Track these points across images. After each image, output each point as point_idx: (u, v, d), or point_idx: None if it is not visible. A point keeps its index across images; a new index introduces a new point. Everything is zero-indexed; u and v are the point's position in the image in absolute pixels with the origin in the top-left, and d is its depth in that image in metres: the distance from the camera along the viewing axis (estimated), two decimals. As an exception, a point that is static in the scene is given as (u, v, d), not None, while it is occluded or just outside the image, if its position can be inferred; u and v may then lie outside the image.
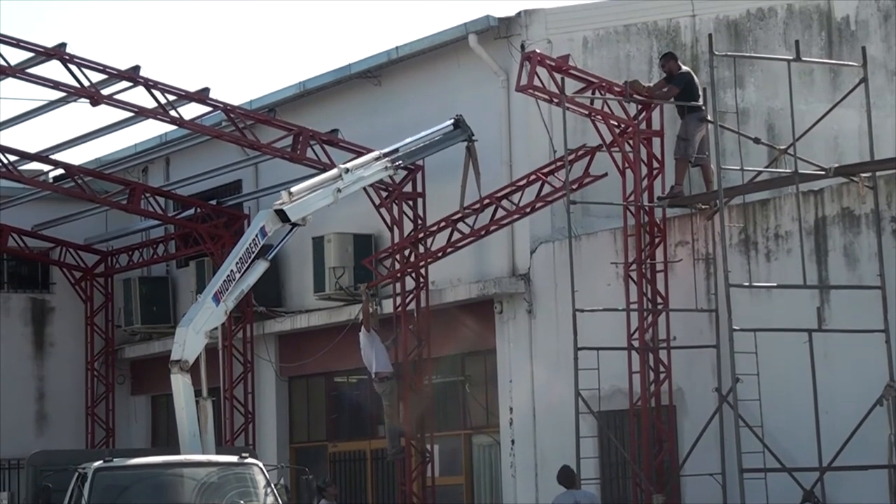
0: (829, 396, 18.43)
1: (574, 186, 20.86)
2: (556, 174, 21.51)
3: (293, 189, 20.15)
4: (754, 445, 18.78)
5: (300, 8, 58.33)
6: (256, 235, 19.71)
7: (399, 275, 23.54)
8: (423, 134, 22.15)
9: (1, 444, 29.61)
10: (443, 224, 22.86)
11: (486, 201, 22.21)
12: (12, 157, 27.08)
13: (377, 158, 21.35)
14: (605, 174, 21.36)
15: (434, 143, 22.20)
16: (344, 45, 56.28)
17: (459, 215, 22.45)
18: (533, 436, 22.48)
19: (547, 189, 21.63)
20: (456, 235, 22.75)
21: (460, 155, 22.46)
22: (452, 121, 22.34)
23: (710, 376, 19.85)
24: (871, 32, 24.67)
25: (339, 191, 20.60)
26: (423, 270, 23.70)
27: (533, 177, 21.80)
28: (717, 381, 19.58)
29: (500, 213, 22.23)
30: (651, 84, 21.65)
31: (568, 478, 19.64)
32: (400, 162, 21.61)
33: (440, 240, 23.11)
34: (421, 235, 23.45)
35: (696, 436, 19.92)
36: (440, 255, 22.93)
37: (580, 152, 21.33)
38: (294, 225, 20.03)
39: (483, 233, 22.40)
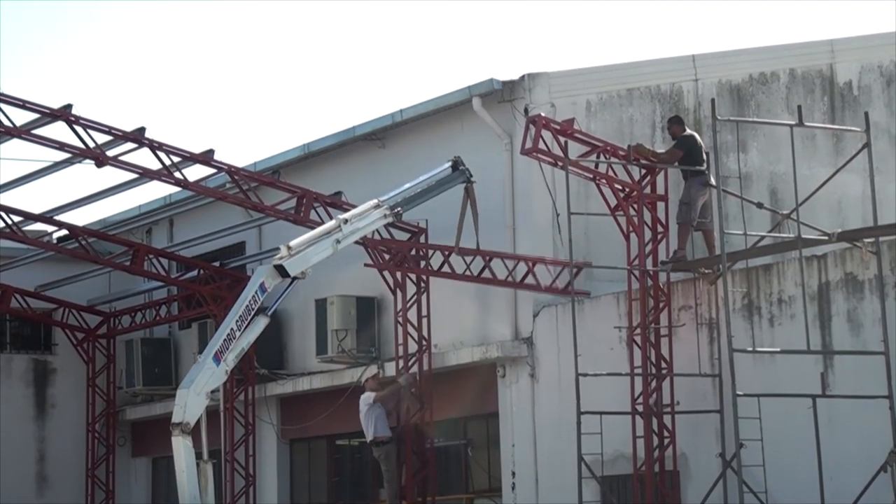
0: (834, 462, 18.38)
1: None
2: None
3: (292, 243, 20.07)
4: (759, 510, 18.75)
5: (304, 70, 58.59)
6: (256, 292, 19.64)
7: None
8: (420, 178, 22.01)
9: (3, 505, 29.62)
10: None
11: (489, 258, 22.20)
12: (16, 218, 27.05)
13: (375, 206, 21.28)
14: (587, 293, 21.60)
15: (433, 187, 22.08)
16: (348, 108, 56.45)
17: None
18: (535, 500, 22.40)
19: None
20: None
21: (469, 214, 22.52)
22: (450, 163, 22.31)
23: (713, 442, 19.83)
24: (873, 98, 24.77)
25: (338, 242, 20.50)
26: (425, 333, 23.71)
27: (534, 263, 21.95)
28: (721, 447, 19.55)
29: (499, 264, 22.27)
30: (654, 147, 21.73)
31: None
32: (399, 209, 21.53)
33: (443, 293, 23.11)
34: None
35: (699, 502, 19.81)
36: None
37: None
38: (294, 279, 19.98)
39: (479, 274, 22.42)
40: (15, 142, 23.47)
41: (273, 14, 59.29)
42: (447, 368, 23.63)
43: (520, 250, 22.70)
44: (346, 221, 20.81)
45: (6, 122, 22.80)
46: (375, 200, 21.33)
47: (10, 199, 26.80)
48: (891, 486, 18.06)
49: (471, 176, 22.30)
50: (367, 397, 23.17)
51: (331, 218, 22.95)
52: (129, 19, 59.59)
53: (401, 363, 23.82)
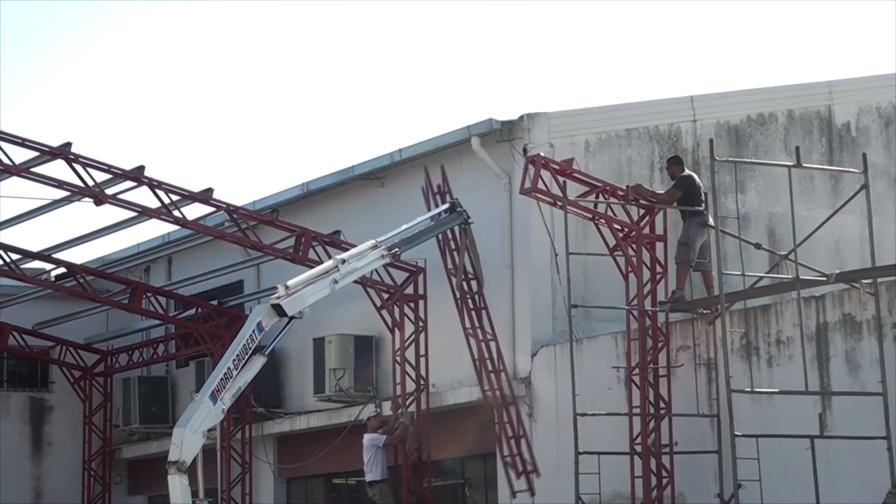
0: (832, 503, 18.33)
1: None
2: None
3: (289, 282, 20.10)
4: (757, 553, 18.74)
5: (304, 110, 58.70)
6: (254, 331, 19.65)
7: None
8: (418, 220, 22.08)
9: (-3, 543, 29.57)
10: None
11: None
12: (14, 256, 27.16)
13: (373, 247, 21.32)
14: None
15: (430, 228, 22.15)
16: (347, 147, 56.61)
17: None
18: (533, 540, 22.36)
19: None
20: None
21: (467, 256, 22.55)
22: (448, 205, 22.37)
23: (712, 482, 19.76)
24: (871, 139, 24.83)
25: (335, 282, 20.52)
26: (423, 372, 23.70)
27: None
28: (720, 487, 19.49)
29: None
30: (653, 188, 21.77)
31: None
32: (396, 250, 21.55)
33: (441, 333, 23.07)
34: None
35: (697, 542, 19.84)
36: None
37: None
38: (291, 318, 19.99)
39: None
40: (14, 180, 23.56)
41: (272, 53, 59.47)
42: (445, 408, 23.61)
43: (518, 290, 22.75)
44: (343, 261, 20.84)
45: (5, 160, 22.89)
46: (373, 241, 21.35)
47: (9, 236, 27.00)
48: (889, 527, 18.13)
49: (468, 217, 22.34)
50: (375, 439, 23.16)
51: (329, 257, 22.95)
52: (128, 57, 59.79)
53: (399, 402, 23.79)
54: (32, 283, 28.60)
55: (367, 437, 23.26)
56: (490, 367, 22.36)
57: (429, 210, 22.49)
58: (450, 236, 22.71)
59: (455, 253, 22.61)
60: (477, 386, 22.96)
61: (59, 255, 27.74)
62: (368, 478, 23.27)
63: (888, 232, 22.66)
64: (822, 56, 52.67)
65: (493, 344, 22.48)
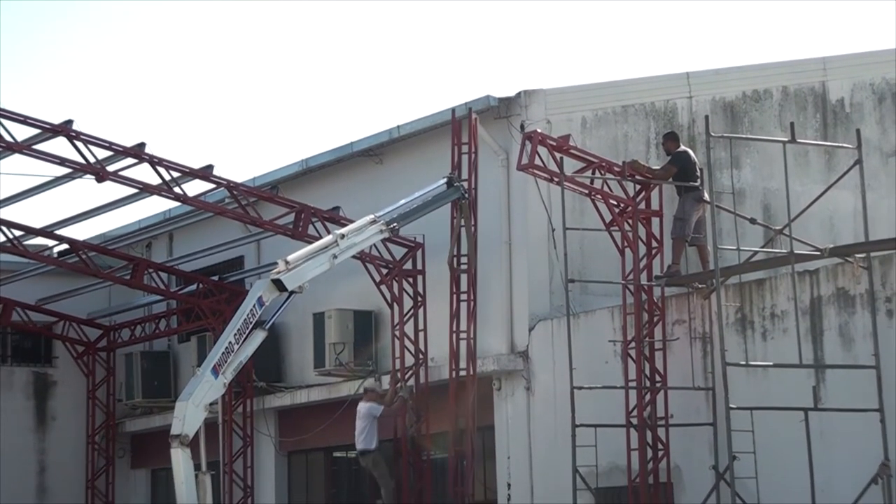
0: (825, 474, 18.41)
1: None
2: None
3: (289, 258, 20.18)
4: (751, 522, 18.82)
5: (303, 87, 58.65)
6: (254, 306, 19.74)
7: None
8: (416, 195, 22.13)
9: (4, 516, 29.68)
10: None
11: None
12: (17, 232, 27.14)
13: (372, 222, 21.36)
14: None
15: (428, 203, 22.19)
16: (346, 124, 56.57)
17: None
18: (531, 511, 22.42)
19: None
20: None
21: (463, 231, 22.58)
22: (445, 180, 22.40)
23: (707, 454, 19.84)
24: (865, 115, 24.83)
25: (334, 257, 20.61)
26: (422, 346, 23.77)
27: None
28: (715, 459, 19.57)
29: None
30: (649, 164, 21.81)
31: None
32: (395, 224, 21.60)
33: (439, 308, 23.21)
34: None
35: (693, 513, 19.91)
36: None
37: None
38: (291, 293, 20.04)
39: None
40: (16, 157, 23.59)
41: (272, 30, 59.38)
42: (443, 382, 23.66)
43: (515, 265, 22.79)
44: (342, 237, 20.90)
45: (7, 138, 22.90)
46: (372, 216, 21.41)
47: (11, 213, 26.97)
48: (881, 498, 18.14)
49: (465, 192, 22.38)
50: (373, 409, 23.23)
51: (329, 233, 23.03)
52: (129, 35, 59.70)
53: (398, 376, 23.87)
54: (35, 259, 28.60)
55: (364, 406, 23.26)
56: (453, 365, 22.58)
57: (454, 162, 22.40)
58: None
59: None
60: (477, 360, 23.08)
61: (62, 232, 27.75)
62: (360, 447, 23.27)
63: (881, 207, 22.71)
64: (816, 32, 52.68)
65: (463, 342, 22.59)
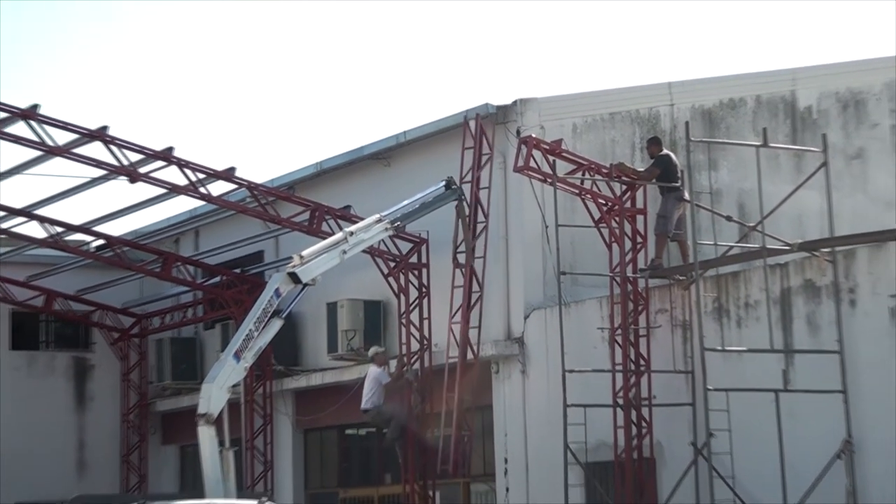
0: (794, 450, 18.36)
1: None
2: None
3: (304, 253, 20.19)
4: (726, 494, 18.81)
5: (317, 95, 58.72)
6: (272, 296, 19.72)
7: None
8: (417, 196, 22.09)
9: (45, 488, 29.58)
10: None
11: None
12: (59, 229, 27.18)
13: (377, 221, 21.34)
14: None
15: (428, 204, 22.12)
16: (356, 129, 56.58)
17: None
18: (526, 484, 22.36)
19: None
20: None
21: (461, 228, 22.50)
22: (444, 182, 22.32)
23: (686, 431, 19.82)
24: (831, 120, 24.73)
25: (344, 252, 20.61)
26: (426, 333, 23.70)
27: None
28: (693, 436, 19.57)
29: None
30: (634, 166, 21.77)
31: None
32: (399, 223, 21.57)
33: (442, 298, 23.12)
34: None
35: (673, 485, 19.85)
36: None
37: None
38: (305, 285, 20.02)
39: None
40: (57, 160, 23.56)
41: (289, 45, 59.51)
42: (448, 365, 23.59)
43: (512, 259, 22.74)
44: (351, 234, 20.91)
45: (49, 142, 22.86)
46: (378, 216, 21.42)
47: (53, 211, 26.93)
48: (844, 472, 18.14)
49: (462, 194, 22.32)
50: (381, 375, 23.13)
51: (341, 230, 23.01)
52: (160, 49, 59.75)
53: (404, 360, 23.82)
54: (75, 253, 28.65)
55: (374, 370, 23.17)
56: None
57: (463, 165, 22.25)
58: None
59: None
60: (475, 345, 22.98)
61: (99, 228, 27.73)
62: (365, 406, 23.09)
63: (845, 206, 22.61)
64: (786, 45, 52.67)
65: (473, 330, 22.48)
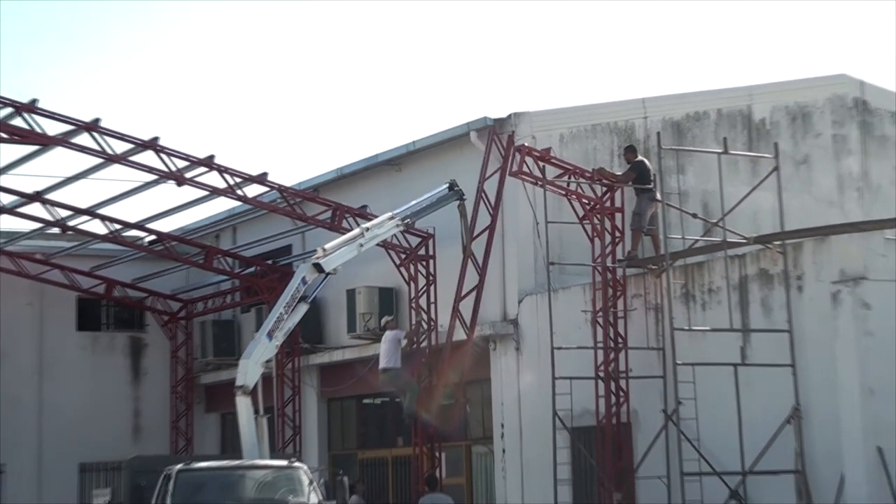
0: (750, 416, 18.45)
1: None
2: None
3: (326, 246, 20.21)
4: (692, 454, 18.81)
5: (337, 110, 58.73)
6: (299, 284, 19.74)
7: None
8: (424, 197, 22.05)
9: (107, 450, 29.65)
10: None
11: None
12: (117, 226, 27.24)
13: (389, 219, 21.39)
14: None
15: (433, 204, 22.09)
16: (372, 138, 56.72)
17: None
18: (519, 446, 22.41)
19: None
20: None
21: (461, 227, 22.53)
22: (447, 185, 22.34)
23: (658, 400, 19.86)
24: (782, 131, 24.77)
25: (361, 245, 20.63)
26: (433, 316, 23.76)
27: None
28: (664, 404, 19.61)
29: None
30: (613, 170, 21.82)
31: (432, 482, 19.56)
32: (408, 220, 21.60)
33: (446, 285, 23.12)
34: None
35: (647, 447, 19.91)
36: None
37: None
38: (327, 274, 20.09)
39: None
40: (115, 166, 23.62)
41: (313, 67, 59.50)
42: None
43: (507, 251, 22.71)
44: (367, 230, 20.92)
45: (109, 151, 22.97)
46: (390, 213, 21.45)
47: (112, 211, 27.00)
48: (793, 435, 18.19)
49: (463, 194, 22.35)
50: (398, 334, 22.86)
51: (358, 226, 23.13)
52: (201, 67, 59.75)
53: (415, 320, 23.76)
54: (131, 247, 28.69)
55: (389, 334, 22.87)
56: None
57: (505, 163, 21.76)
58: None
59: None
60: (476, 326, 22.92)
61: (151, 226, 27.80)
62: (384, 365, 22.75)
63: (793, 204, 22.62)
64: (744, 65, 52.72)
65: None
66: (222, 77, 59.69)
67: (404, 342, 23.02)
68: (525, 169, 20.98)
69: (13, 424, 29.41)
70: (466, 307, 22.94)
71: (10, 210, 26.44)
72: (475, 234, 22.39)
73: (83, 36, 60.32)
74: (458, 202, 22.30)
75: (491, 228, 22.02)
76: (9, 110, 21.87)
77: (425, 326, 23.50)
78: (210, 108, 59.09)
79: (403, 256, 24.15)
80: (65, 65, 59.35)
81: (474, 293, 22.53)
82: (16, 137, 22.21)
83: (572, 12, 56.78)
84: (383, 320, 23.77)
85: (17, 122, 22.09)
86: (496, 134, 22.27)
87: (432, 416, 23.06)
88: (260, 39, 60.38)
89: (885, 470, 17.40)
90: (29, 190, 25.93)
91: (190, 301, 31.33)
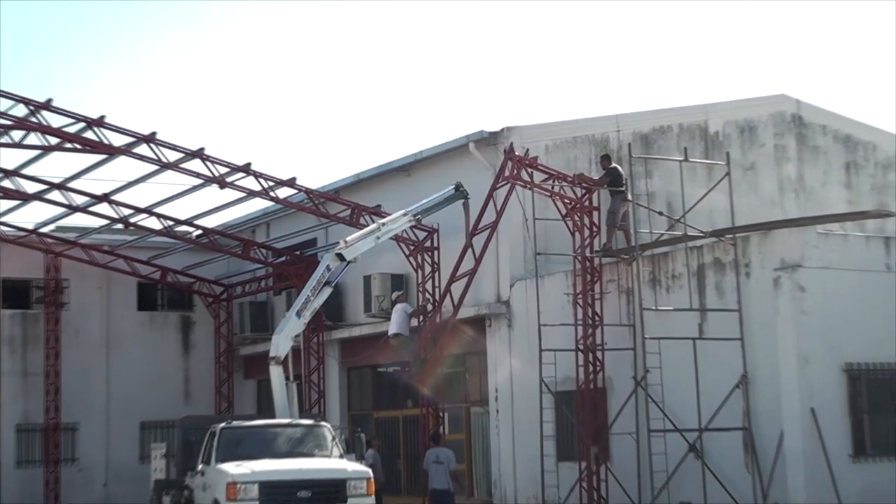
0: (706, 382, 18.48)
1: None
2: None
3: (347, 239, 20.21)
4: (658, 414, 18.85)
5: (357, 122, 58.71)
6: (324, 270, 19.75)
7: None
8: (432, 196, 21.98)
9: (162, 411, 29.75)
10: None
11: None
12: (170, 222, 27.24)
13: (403, 215, 21.33)
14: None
15: (441, 202, 22.01)
16: (385, 147, 56.77)
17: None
18: (511, 408, 22.40)
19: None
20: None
21: (464, 223, 22.48)
22: (453, 186, 22.27)
23: (629, 369, 19.85)
24: (732, 142, 24.77)
25: (378, 238, 20.62)
26: (438, 298, 23.75)
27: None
28: (634, 372, 19.59)
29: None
30: (591, 175, 21.79)
31: (436, 438, 19.60)
32: (419, 216, 21.55)
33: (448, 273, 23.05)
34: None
35: (619, 408, 19.93)
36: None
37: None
38: (348, 262, 20.04)
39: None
40: (168, 172, 23.65)
41: (333, 85, 59.45)
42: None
43: (501, 243, 22.57)
44: (383, 224, 20.90)
45: (163, 160, 22.99)
46: (403, 211, 21.42)
47: (166, 209, 26.99)
48: (741, 397, 18.18)
49: (467, 194, 22.34)
50: (406, 307, 22.99)
51: (374, 223, 23.15)
52: (244, 83, 59.68)
53: (422, 300, 23.75)
54: (181, 240, 28.65)
55: (398, 306, 22.92)
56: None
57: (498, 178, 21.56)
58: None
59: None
60: (474, 306, 22.92)
61: (198, 222, 27.78)
62: (393, 331, 22.77)
63: (742, 204, 22.64)
64: (701, 86, 52.74)
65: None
66: (261, 94, 59.69)
67: (411, 312, 23.06)
68: (516, 174, 20.89)
69: (86, 390, 29.49)
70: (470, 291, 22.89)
71: (82, 209, 26.49)
72: (474, 227, 22.35)
73: (116, 42, 60.26)
74: (462, 201, 22.25)
75: (493, 226, 21.99)
76: (81, 125, 21.91)
77: (430, 307, 23.45)
78: (248, 121, 59.08)
79: (412, 248, 24.14)
80: (122, 79, 59.26)
81: (469, 280, 22.44)
82: (88, 148, 22.26)
83: (558, 41, 56.84)
84: (394, 295, 23.81)
85: (88, 134, 22.10)
86: (510, 152, 21.78)
87: (427, 377, 23.07)
88: (291, 66, 60.36)
89: (816, 426, 17.50)
90: (98, 192, 25.99)
91: (230, 285, 31.24)
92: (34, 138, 21.93)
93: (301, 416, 19.11)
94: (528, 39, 57.74)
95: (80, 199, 26.34)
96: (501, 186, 21.40)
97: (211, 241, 28.20)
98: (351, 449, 18.89)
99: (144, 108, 57.18)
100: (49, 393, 29.00)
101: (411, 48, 59.14)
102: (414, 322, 23.23)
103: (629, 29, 55.48)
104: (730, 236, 18.97)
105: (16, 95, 21.21)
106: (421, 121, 57.48)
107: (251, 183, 24.01)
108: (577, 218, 21.15)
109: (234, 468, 16.64)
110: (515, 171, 20.79)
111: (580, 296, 20.74)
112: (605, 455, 20.23)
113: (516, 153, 21.14)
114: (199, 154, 23.05)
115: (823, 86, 51.96)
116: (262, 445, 17.55)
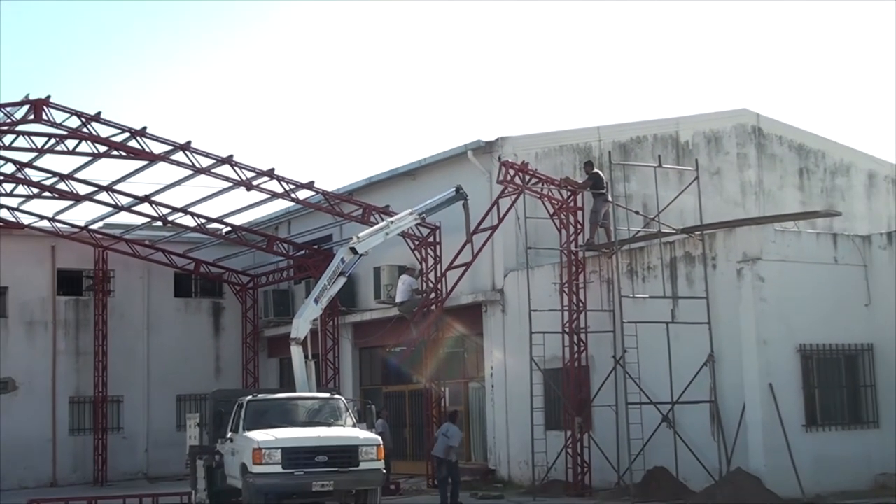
0: (678, 361, 18.46)
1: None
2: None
3: (359, 234, 20.06)
4: (634, 389, 18.83)
5: (367, 131, 58.59)
6: (339, 262, 19.63)
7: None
8: (435, 197, 21.76)
9: (196, 385, 29.70)
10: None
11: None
12: (202, 220, 27.12)
13: (409, 214, 21.21)
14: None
15: (443, 203, 21.79)
16: (393, 153, 56.66)
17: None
18: (505, 383, 22.37)
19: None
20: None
21: (464, 221, 22.39)
22: (454, 188, 22.12)
23: (609, 349, 19.85)
24: (701, 150, 24.72)
25: (386, 234, 20.44)
26: (439, 284, 23.64)
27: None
28: (614, 352, 19.59)
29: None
30: (576, 179, 21.70)
31: (453, 417, 19.58)
32: (424, 215, 21.44)
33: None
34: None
35: (601, 383, 19.91)
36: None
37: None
38: (360, 255, 19.93)
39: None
40: (201, 176, 23.50)
41: (343, 96, 59.29)
42: (453, 307, 23.53)
43: (496, 239, 22.39)
44: (391, 222, 20.76)
45: (197, 165, 22.84)
46: (409, 210, 21.30)
47: (199, 209, 26.85)
48: (709, 374, 18.15)
49: (467, 196, 22.22)
50: (412, 282, 22.99)
51: (384, 221, 23.01)
52: (265, 94, 59.50)
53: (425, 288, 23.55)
54: (212, 235, 28.48)
55: (405, 277, 22.84)
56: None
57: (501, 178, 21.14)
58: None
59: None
60: (472, 293, 22.85)
61: (227, 220, 27.65)
62: (400, 298, 22.64)
63: (709, 205, 22.65)
64: (673, 100, 52.68)
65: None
66: (284, 106, 59.52)
67: (414, 287, 23.03)
68: (509, 178, 20.78)
69: (129, 366, 29.47)
70: (464, 281, 22.76)
71: (126, 208, 26.44)
72: (476, 228, 22.22)
73: (147, 49, 60.07)
74: (462, 202, 22.14)
75: (495, 229, 21.87)
76: (126, 134, 21.88)
77: (423, 294, 23.38)
78: (272, 130, 58.91)
79: (417, 243, 24.04)
80: (160, 94, 59.06)
81: (463, 272, 22.32)
82: (132, 155, 22.22)
83: (547, 61, 56.73)
84: (406, 267, 23.55)
85: (132, 143, 22.03)
86: (505, 163, 21.57)
87: (420, 364, 22.99)
88: (311, 83, 60.16)
89: (773, 400, 17.48)
90: (140, 194, 25.97)
91: (256, 275, 31.14)
92: (85, 146, 21.92)
93: (318, 390, 18.96)
94: (521, 61, 57.72)
95: (124, 200, 26.27)
96: (506, 196, 21.30)
97: (239, 236, 28.06)
98: (362, 419, 18.79)
99: (181, 118, 57.03)
100: (97, 369, 29.02)
101: (417, 66, 59.09)
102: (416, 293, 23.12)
103: (611, 49, 55.45)
104: (698, 233, 18.95)
105: (70, 109, 21.13)
106: (425, 130, 57.52)
107: (274, 186, 23.90)
108: (563, 217, 21.06)
109: (259, 435, 16.57)
110: (509, 177, 20.63)
111: (566, 285, 20.68)
112: (588, 425, 20.19)
113: (509, 160, 21.00)
114: (228, 160, 22.94)
115: (781, 99, 51.96)
116: (283, 416, 17.46)
